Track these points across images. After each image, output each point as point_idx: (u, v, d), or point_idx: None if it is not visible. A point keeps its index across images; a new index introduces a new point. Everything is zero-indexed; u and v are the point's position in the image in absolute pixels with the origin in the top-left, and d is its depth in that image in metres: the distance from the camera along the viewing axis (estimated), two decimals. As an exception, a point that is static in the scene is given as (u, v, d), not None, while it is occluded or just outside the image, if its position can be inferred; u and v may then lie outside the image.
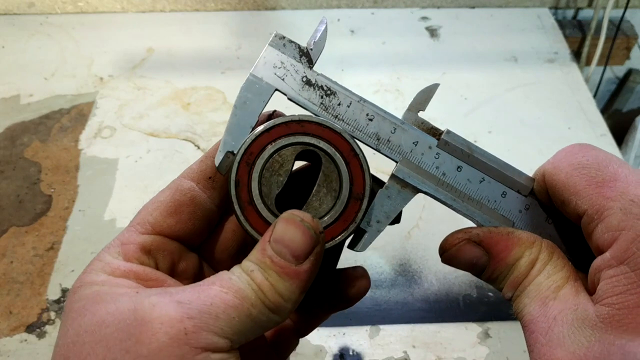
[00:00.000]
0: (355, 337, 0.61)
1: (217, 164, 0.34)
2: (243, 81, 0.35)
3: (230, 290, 0.28)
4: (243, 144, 0.33)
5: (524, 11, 1.06)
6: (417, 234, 0.70)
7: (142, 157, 0.80)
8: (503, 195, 0.35)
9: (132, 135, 0.83)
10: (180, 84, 0.90)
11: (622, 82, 1.20)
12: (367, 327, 0.61)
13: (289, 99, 0.35)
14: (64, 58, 0.95)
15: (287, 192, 0.34)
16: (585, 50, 1.06)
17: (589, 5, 1.08)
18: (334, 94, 0.35)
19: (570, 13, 1.10)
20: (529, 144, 0.82)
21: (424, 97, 0.37)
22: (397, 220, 0.36)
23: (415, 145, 0.35)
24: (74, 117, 0.85)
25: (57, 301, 0.64)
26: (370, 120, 0.35)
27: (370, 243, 0.35)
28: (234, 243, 0.39)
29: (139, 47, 0.97)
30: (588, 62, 1.06)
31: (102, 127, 0.84)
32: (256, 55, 0.35)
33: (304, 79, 0.35)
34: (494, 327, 0.61)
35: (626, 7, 1.03)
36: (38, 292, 0.64)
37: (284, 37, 0.35)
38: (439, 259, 0.73)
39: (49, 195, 0.74)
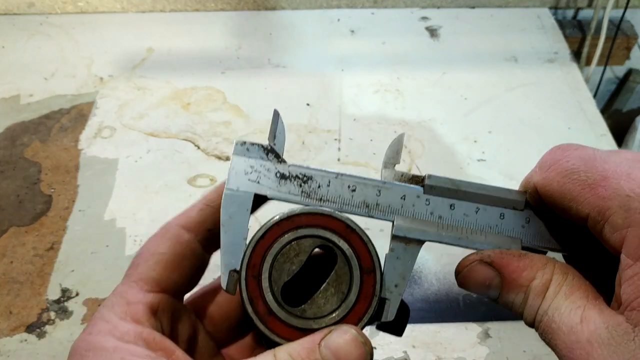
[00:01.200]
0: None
1: (224, 287, 0.32)
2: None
3: None
4: (243, 260, 0.33)
5: (524, 11, 1.06)
6: (417, 234, 0.70)
7: (142, 157, 0.80)
8: (501, 217, 0.35)
9: (132, 135, 0.83)
10: (180, 84, 0.90)
11: (622, 82, 1.20)
12: (367, 327, 0.61)
13: (269, 198, 0.35)
14: (64, 58, 0.95)
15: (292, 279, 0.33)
16: (585, 50, 1.06)
17: (589, 5, 1.08)
18: (310, 179, 0.35)
19: (570, 13, 1.10)
20: (529, 144, 0.82)
21: (395, 150, 0.37)
22: (399, 332, 0.36)
23: (404, 199, 0.35)
24: (74, 117, 0.85)
25: (57, 301, 0.64)
26: (353, 191, 0.35)
27: (396, 309, 0.34)
28: (236, 313, 0.37)
29: (139, 47, 0.97)
30: (588, 62, 1.07)
31: (102, 127, 0.84)
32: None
33: (278, 175, 0.35)
34: (494, 327, 0.61)
35: (626, 7, 1.03)
36: (38, 292, 0.64)
37: (245, 142, 0.35)
38: (439, 259, 0.73)
39: (49, 195, 0.74)
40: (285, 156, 0.35)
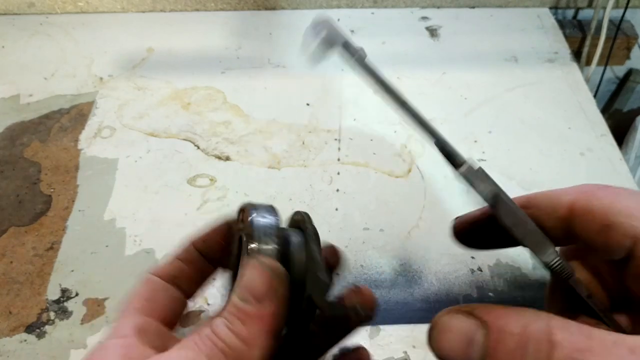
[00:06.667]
0: (355, 337, 0.60)
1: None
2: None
3: None
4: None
5: (524, 11, 1.06)
6: (417, 234, 0.70)
7: (142, 157, 0.80)
8: None
9: (132, 135, 0.83)
10: (181, 84, 0.90)
11: (623, 82, 1.20)
12: (367, 327, 0.61)
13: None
14: (64, 58, 0.95)
15: None
16: (586, 50, 1.06)
17: (589, 5, 1.08)
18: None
19: (570, 13, 1.10)
20: (529, 144, 0.82)
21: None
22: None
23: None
24: (73, 117, 0.85)
25: (57, 301, 0.64)
26: None
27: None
28: None
29: (139, 47, 0.97)
30: (588, 62, 1.06)
31: (102, 127, 0.84)
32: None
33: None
34: (494, 327, 0.61)
35: (626, 7, 1.03)
36: (38, 292, 0.64)
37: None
38: (439, 259, 0.73)
39: (49, 195, 0.74)
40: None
